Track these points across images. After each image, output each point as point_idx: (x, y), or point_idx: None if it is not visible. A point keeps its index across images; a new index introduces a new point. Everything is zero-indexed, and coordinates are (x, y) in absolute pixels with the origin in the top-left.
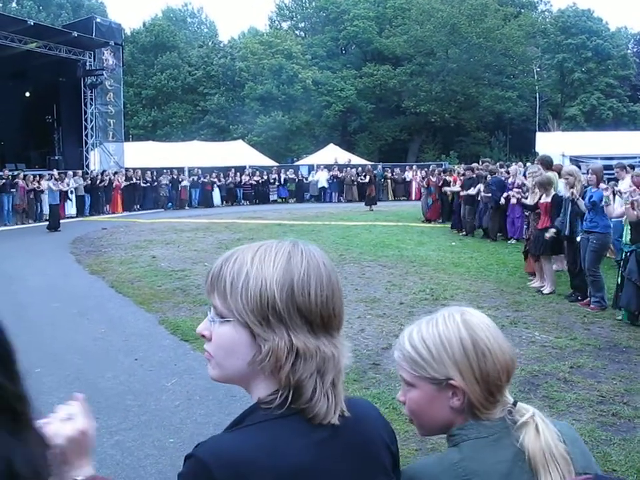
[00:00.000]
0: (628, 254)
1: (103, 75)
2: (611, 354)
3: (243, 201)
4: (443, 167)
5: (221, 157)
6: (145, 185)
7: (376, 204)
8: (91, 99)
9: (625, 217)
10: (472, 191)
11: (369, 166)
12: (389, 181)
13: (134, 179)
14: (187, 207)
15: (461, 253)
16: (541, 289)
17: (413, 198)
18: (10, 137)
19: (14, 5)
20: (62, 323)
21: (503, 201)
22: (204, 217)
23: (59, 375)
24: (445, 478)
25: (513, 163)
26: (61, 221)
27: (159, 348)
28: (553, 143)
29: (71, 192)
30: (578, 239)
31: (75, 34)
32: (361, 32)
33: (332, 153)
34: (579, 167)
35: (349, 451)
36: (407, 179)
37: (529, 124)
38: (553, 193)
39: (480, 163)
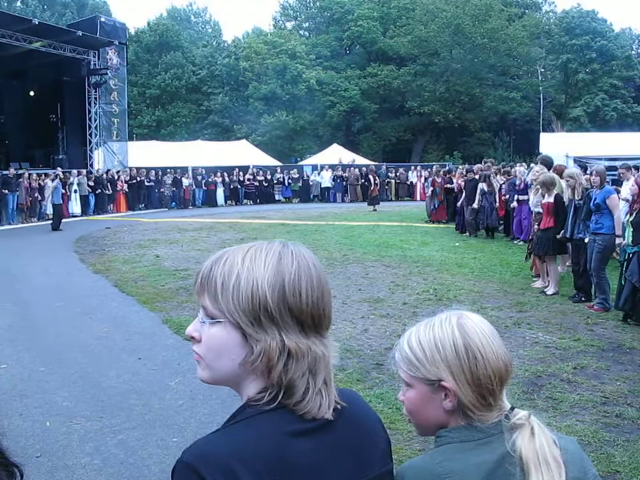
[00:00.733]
0: (630, 255)
1: (107, 74)
2: (614, 355)
3: (246, 201)
4: (447, 167)
5: (224, 157)
6: (149, 184)
7: (379, 203)
8: (95, 98)
9: (627, 217)
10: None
11: (372, 166)
12: (393, 181)
13: (138, 178)
14: (190, 207)
15: (464, 253)
16: (545, 290)
17: (418, 198)
18: (14, 136)
19: (19, 4)
20: (65, 322)
21: (515, 203)
22: (207, 216)
23: (63, 374)
24: (426, 476)
25: (517, 164)
26: (65, 220)
27: (162, 347)
28: (556, 144)
29: (75, 191)
30: (586, 240)
31: (80, 33)
32: (365, 32)
33: (336, 153)
34: (585, 168)
35: (347, 441)
36: (411, 180)
37: (532, 125)
38: (555, 192)
39: (482, 163)
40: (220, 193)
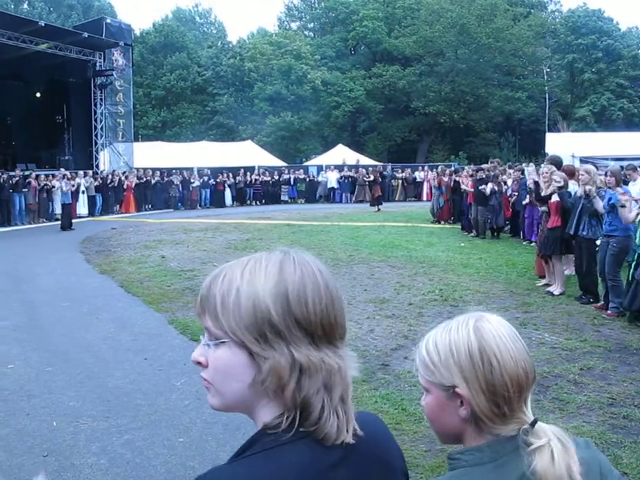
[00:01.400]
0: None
1: (112, 75)
2: (621, 356)
3: (252, 201)
4: (453, 167)
5: (230, 158)
6: (155, 183)
7: (381, 204)
8: (101, 100)
9: (639, 218)
10: (487, 189)
11: (380, 166)
12: (400, 181)
13: (144, 178)
14: (198, 207)
15: (470, 253)
16: (551, 290)
17: (424, 199)
18: (20, 137)
19: (25, 6)
20: (72, 322)
21: (527, 199)
22: (213, 217)
23: (69, 374)
24: None
25: (524, 164)
26: (73, 221)
27: (168, 347)
28: (562, 144)
29: (82, 192)
30: (598, 242)
31: (85, 35)
32: (370, 32)
33: (341, 154)
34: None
35: (367, 470)
36: (418, 180)
37: (538, 125)
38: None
39: (488, 162)
40: (227, 194)
